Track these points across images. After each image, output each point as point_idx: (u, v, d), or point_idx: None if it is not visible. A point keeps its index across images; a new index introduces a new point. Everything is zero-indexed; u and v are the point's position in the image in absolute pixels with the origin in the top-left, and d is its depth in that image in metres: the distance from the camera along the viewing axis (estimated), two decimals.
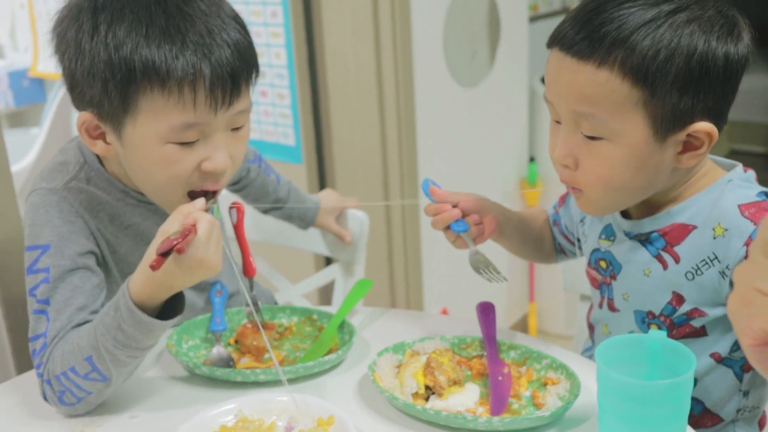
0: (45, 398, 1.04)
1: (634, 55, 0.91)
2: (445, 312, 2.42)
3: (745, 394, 1.08)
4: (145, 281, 0.96)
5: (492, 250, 1.17)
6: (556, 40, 0.97)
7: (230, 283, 1.33)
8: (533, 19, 2.87)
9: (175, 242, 0.92)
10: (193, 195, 1.07)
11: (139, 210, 1.14)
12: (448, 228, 1.12)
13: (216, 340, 1.19)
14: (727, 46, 0.94)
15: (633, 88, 0.92)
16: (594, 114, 0.95)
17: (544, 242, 1.31)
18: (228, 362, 1.16)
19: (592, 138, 0.97)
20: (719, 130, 0.97)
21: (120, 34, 0.98)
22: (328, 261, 2.42)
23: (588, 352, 1.24)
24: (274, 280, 1.69)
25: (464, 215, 1.13)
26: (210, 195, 1.08)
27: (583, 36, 0.93)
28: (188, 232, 0.93)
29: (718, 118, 0.97)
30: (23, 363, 1.46)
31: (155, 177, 1.05)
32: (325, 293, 2.37)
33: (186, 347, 1.19)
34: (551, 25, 3.42)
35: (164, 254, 0.92)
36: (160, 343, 1.20)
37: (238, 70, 1.02)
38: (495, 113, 2.54)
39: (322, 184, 2.37)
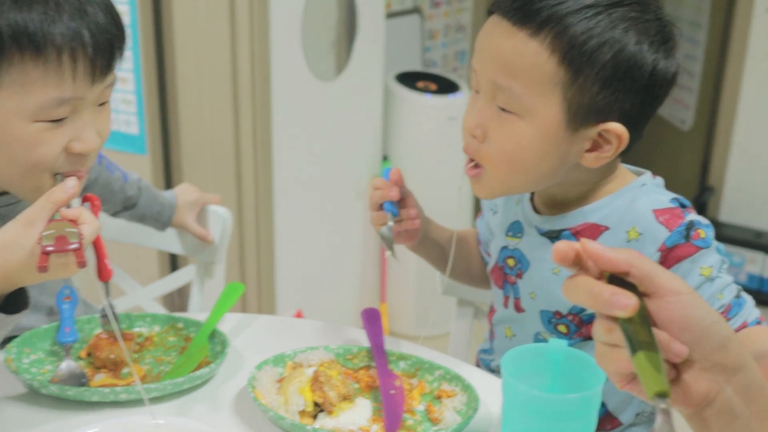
0: None
1: (567, 34, 0.90)
2: (299, 315, 2.33)
3: None
4: None
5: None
6: (496, 5, 0.95)
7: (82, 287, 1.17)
8: (388, 16, 2.83)
9: (73, 247, 0.81)
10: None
11: None
12: (380, 207, 1.08)
13: (65, 353, 1.04)
14: (657, 56, 0.93)
15: (558, 68, 0.91)
16: (512, 87, 0.93)
17: (471, 262, 1.24)
18: (80, 379, 1.01)
19: (505, 111, 0.95)
20: (632, 141, 0.96)
21: None
22: (173, 259, 2.26)
23: (484, 355, 1.20)
24: (122, 282, 1.53)
25: (403, 206, 1.10)
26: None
27: (523, 3, 0.92)
28: (81, 236, 0.83)
29: (633, 127, 0.95)
30: None
31: (16, 161, 0.91)
32: (170, 298, 2.21)
33: (28, 362, 1.03)
34: (406, 22, 3.39)
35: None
36: None
37: (114, 36, 0.91)
38: (350, 109, 2.47)
39: (168, 176, 2.21)
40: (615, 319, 0.59)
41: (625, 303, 0.58)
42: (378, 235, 1.08)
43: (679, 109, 3.55)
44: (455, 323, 1.39)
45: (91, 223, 0.85)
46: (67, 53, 0.86)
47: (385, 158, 2.71)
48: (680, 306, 0.60)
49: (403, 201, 1.10)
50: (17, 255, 0.82)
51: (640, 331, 0.58)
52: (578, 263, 0.62)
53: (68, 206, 0.87)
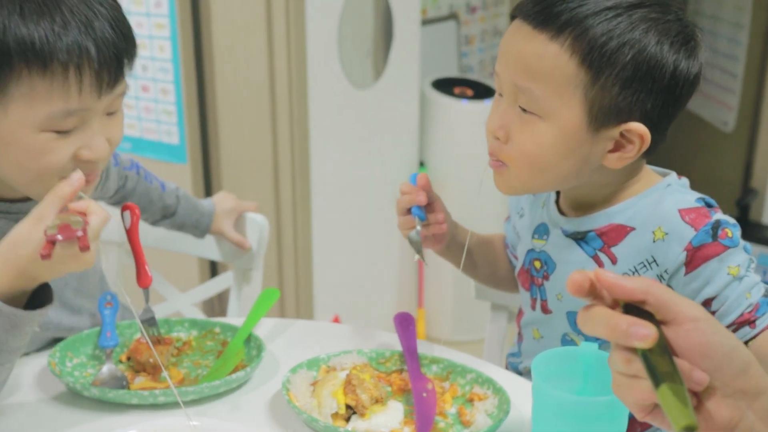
0: None
1: (587, 36, 0.91)
2: (337, 320, 2.34)
3: None
4: (2, 268, 0.86)
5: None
6: (518, 9, 0.97)
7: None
8: (424, 22, 2.85)
9: (77, 234, 0.82)
10: None
11: None
12: (408, 212, 1.10)
13: (106, 357, 1.07)
14: (678, 56, 0.93)
15: (578, 69, 0.92)
16: (532, 89, 0.94)
17: (498, 265, 1.26)
18: (121, 382, 1.04)
19: (527, 112, 0.96)
20: (655, 143, 0.96)
21: None
22: (212, 266, 2.30)
23: (512, 358, 1.20)
24: (161, 288, 1.56)
25: (430, 210, 1.12)
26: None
27: (544, 6, 0.93)
28: (86, 225, 0.84)
29: (655, 128, 0.95)
30: None
31: (26, 168, 0.93)
32: (209, 303, 2.24)
33: (71, 366, 1.07)
34: (442, 28, 3.39)
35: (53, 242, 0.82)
36: (38, 361, 1.07)
37: (122, 50, 0.92)
38: (387, 116, 2.49)
39: (208, 185, 2.25)
40: (633, 349, 0.58)
41: (644, 333, 0.56)
42: (406, 239, 1.10)
43: (722, 110, 3.50)
44: (489, 327, 1.39)
45: (99, 214, 0.86)
46: (72, 68, 0.88)
47: (421, 164, 2.72)
48: (699, 333, 0.58)
49: (430, 205, 1.11)
50: (28, 249, 0.85)
51: (660, 361, 0.57)
52: (592, 292, 0.61)
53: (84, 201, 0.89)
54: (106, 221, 0.87)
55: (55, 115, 0.90)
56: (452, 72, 3.09)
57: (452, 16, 3.15)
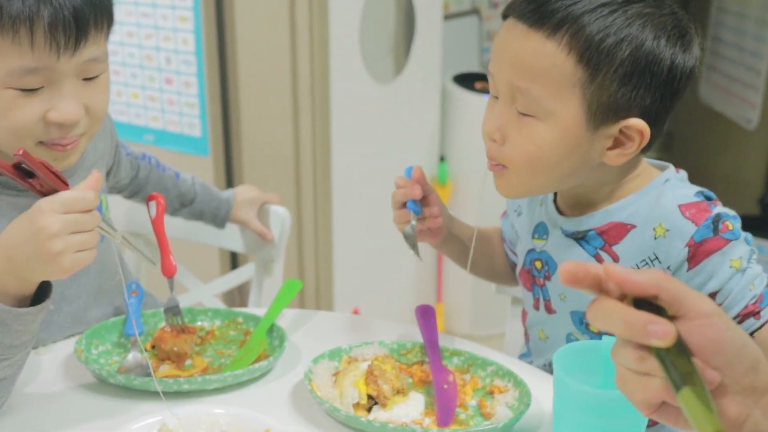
0: None
1: (583, 34, 0.90)
2: (356, 312, 2.36)
3: None
4: None
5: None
6: (511, 8, 0.95)
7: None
8: (446, 17, 2.85)
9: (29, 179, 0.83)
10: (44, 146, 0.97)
11: None
12: (403, 206, 1.11)
13: (131, 345, 1.08)
14: (675, 50, 0.92)
15: (576, 67, 0.91)
16: (530, 89, 0.93)
17: (495, 259, 1.26)
18: (146, 370, 1.05)
19: (525, 115, 0.95)
20: (653, 137, 0.95)
21: None
22: (233, 257, 2.31)
23: (523, 358, 1.20)
24: (183, 279, 1.58)
25: (425, 204, 1.12)
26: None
27: (538, 5, 0.92)
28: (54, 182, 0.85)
29: (654, 123, 0.95)
30: None
31: None
32: (230, 295, 2.26)
33: (96, 353, 1.08)
34: (464, 24, 3.37)
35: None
36: (64, 349, 1.09)
37: (83, 13, 0.93)
38: (408, 110, 2.49)
39: (229, 177, 2.26)
40: (647, 347, 0.56)
41: (665, 332, 0.54)
42: (401, 234, 1.09)
43: (745, 108, 3.47)
44: (509, 322, 1.40)
45: (75, 190, 0.86)
46: (22, 25, 0.89)
47: (442, 159, 2.72)
48: (713, 329, 0.56)
49: (425, 199, 1.11)
50: (26, 249, 0.84)
51: (678, 362, 0.55)
52: (595, 286, 0.58)
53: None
54: (75, 198, 0.85)
55: (14, 71, 0.91)
56: (473, 67, 3.09)
57: (474, 11, 3.15)
